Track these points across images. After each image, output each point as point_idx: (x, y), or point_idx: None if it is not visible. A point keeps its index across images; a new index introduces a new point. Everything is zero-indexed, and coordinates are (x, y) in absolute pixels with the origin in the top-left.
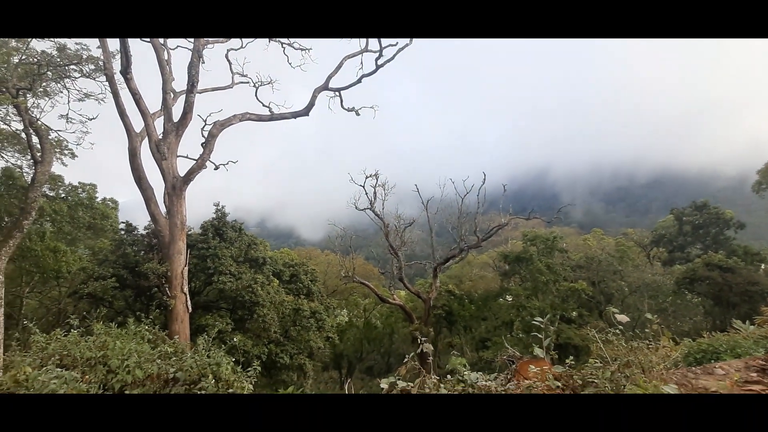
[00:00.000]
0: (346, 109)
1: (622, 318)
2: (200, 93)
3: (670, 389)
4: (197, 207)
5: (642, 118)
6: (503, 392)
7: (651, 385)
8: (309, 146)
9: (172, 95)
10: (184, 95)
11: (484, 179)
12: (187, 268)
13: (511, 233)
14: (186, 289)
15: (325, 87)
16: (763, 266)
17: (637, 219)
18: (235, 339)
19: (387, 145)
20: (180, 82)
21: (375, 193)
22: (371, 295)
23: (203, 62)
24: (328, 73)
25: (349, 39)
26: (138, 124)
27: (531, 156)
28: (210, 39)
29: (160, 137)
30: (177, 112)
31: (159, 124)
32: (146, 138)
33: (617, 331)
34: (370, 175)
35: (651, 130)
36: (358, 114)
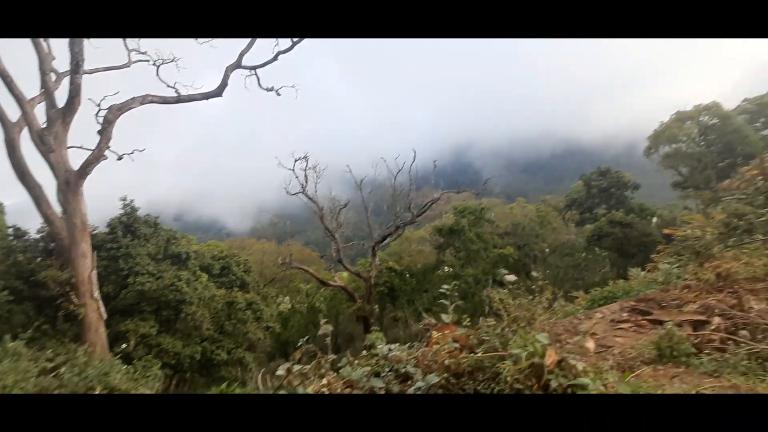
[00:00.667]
0: (264, 89)
1: (510, 278)
2: (90, 74)
3: (542, 338)
4: (103, 204)
5: (545, 96)
6: (416, 363)
7: (531, 336)
8: (229, 130)
9: (54, 77)
10: (69, 77)
11: (414, 157)
12: (95, 272)
13: (444, 207)
14: (97, 294)
15: (238, 65)
16: (654, 219)
17: (554, 186)
18: (128, 345)
19: (314, 126)
20: (63, 61)
21: (306, 176)
22: (313, 279)
23: (88, 38)
24: (241, 50)
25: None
26: (14, 113)
27: (455, 132)
28: None
29: (43, 126)
30: (62, 96)
31: (41, 112)
32: (26, 128)
33: (507, 290)
34: (300, 158)
35: (552, 108)
36: (278, 94)
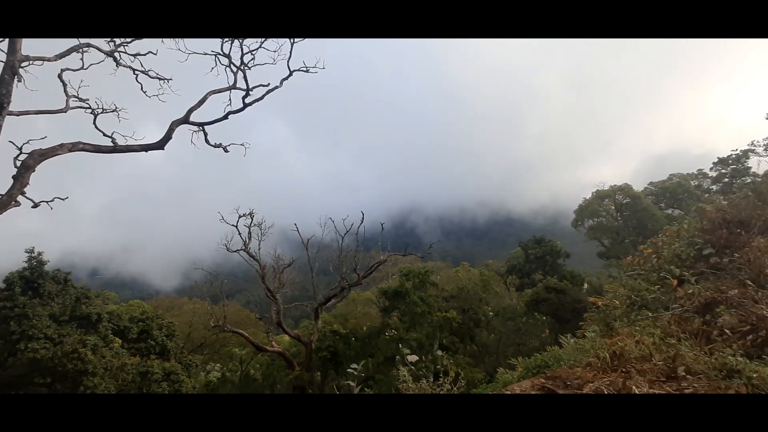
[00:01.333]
0: (212, 145)
1: (412, 358)
2: (17, 115)
3: None
4: (7, 256)
5: (480, 172)
6: None
7: None
8: (167, 184)
9: None
10: None
11: (363, 218)
12: None
13: (392, 269)
14: None
15: (185, 120)
16: (585, 286)
17: (498, 252)
18: None
19: (262, 185)
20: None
21: (250, 233)
22: (249, 344)
23: (20, 80)
24: (190, 106)
25: (216, 72)
26: None
27: (403, 195)
28: (32, 56)
29: None
30: None
31: None
32: None
33: (409, 369)
34: (244, 215)
35: (484, 180)
36: (226, 150)
